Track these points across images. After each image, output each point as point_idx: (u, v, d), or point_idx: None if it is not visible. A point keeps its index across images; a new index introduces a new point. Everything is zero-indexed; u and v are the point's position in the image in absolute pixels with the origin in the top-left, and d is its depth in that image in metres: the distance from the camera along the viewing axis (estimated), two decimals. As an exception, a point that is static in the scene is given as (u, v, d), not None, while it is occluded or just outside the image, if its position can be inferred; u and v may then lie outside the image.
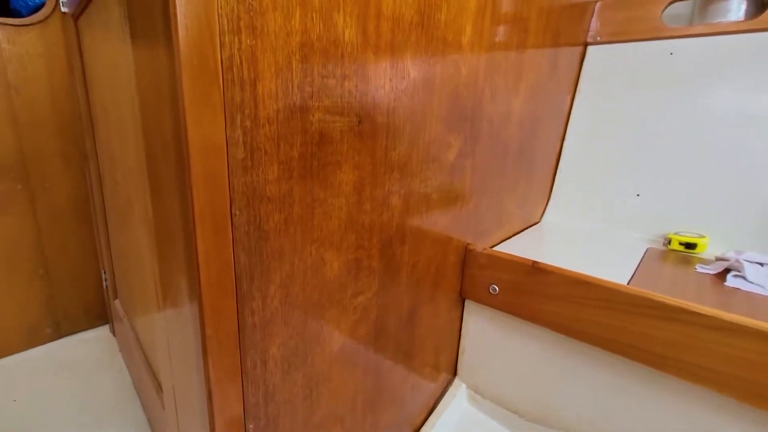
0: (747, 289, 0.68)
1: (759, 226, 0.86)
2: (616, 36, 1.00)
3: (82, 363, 1.07)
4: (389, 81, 0.48)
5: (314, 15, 0.37)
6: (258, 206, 0.37)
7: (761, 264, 0.73)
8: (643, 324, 0.56)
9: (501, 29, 0.67)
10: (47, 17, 1.00)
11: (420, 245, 0.62)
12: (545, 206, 1.11)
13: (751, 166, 0.87)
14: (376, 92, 0.46)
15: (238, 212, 0.36)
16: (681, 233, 0.89)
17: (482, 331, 0.78)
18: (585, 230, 1.01)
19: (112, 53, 0.59)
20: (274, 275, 0.40)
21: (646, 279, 0.73)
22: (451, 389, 0.83)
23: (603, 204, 1.04)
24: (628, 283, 0.70)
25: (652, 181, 0.98)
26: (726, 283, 0.70)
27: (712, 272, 0.75)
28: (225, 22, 0.31)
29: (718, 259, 0.78)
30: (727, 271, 0.75)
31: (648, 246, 0.90)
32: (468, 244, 0.75)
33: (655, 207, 0.97)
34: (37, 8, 0.99)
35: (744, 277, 0.71)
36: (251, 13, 0.33)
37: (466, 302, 0.79)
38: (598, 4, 1.03)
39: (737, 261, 0.73)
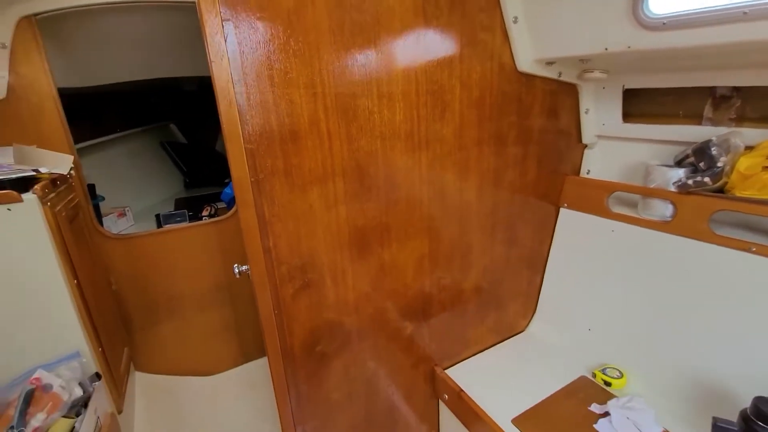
0: (607, 436, 1.04)
1: (670, 372, 1.12)
2: (576, 207, 1.31)
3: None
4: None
5: None
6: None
7: (628, 416, 1.05)
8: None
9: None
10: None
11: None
12: (531, 317, 1.49)
13: (679, 316, 1.11)
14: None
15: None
16: (607, 370, 1.21)
17: None
18: (552, 347, 1.38)
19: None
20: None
21: (545, 410, 1.13)
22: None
23: (567, 331, 1.38)
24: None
25: (601, 320, 1.28)
26: (595, 425, 1.07)
27: (597, 412, 1.10)
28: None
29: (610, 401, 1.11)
30: (607, 413, 1.09)
31: (582, 374, 1.25)
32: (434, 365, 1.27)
33: (601, 342, 1.28)
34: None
35: (611, 423, 1.06)
36: None
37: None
38: (567, 178, 1.34)
39: (611, 408, 1.07)
